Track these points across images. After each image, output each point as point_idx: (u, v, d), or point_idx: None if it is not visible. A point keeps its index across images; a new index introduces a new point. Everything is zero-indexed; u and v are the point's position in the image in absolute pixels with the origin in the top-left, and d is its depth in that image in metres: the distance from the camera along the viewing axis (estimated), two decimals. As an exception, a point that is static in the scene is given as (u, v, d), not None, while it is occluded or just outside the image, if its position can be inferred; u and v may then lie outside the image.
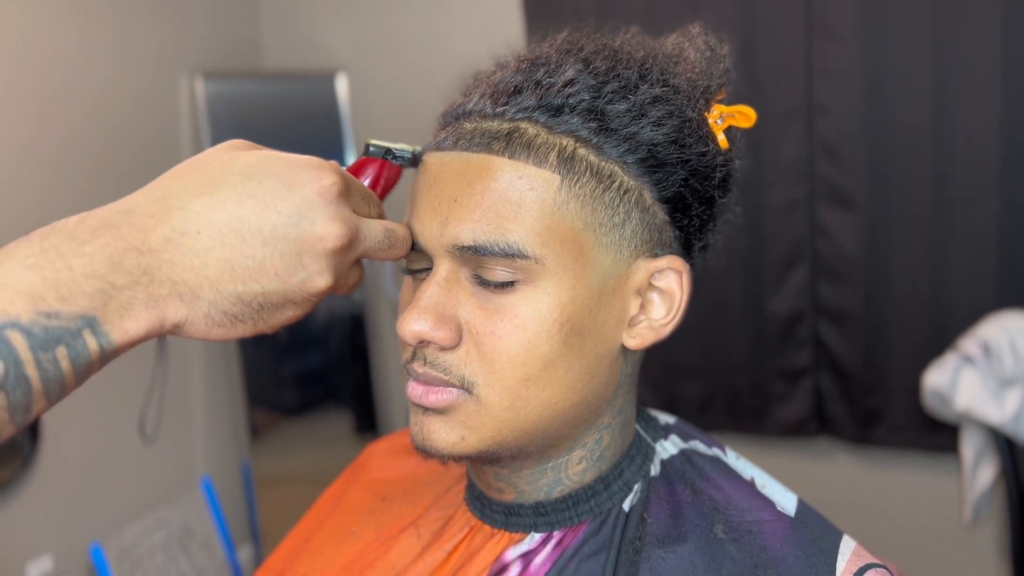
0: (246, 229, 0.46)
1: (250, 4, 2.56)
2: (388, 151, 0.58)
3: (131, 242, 0.44)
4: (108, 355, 0.43)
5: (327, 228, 0.47)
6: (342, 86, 2.50)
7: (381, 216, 0.55)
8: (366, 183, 0.58)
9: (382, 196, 0.58)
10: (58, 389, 0.42)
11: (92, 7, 2.03)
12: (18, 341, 0.40)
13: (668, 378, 2.17)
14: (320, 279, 0.48)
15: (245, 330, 0.48)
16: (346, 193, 0.49)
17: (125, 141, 2.12)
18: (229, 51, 2.46)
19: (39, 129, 1.92)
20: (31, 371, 0.41)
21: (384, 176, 0.58)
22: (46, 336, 0.41)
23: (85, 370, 0.43)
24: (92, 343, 0.42)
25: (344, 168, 0.54)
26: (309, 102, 2.56)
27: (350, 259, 0.50)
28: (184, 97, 2.28)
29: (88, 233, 0.43)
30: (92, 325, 0.42)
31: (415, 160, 0.58)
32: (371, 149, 0.58)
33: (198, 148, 2.29)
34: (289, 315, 0.49)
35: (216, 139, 2.30)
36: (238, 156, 0.48)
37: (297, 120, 2.56)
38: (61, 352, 0.41)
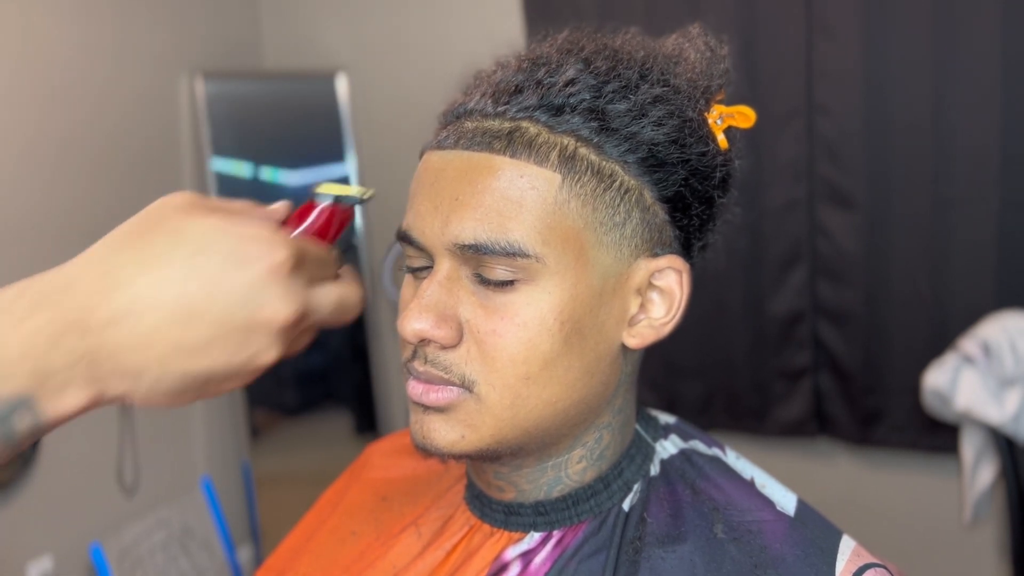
0: (194, 310, 0.44)
1: (250, 4, 2.56)
2: (337, 198, 0.54)
3: (71, 321, 0.42)
4: (42, 430, 0.43)
5: (276, 308, 0.45)
6: (342, 86, 2.50)
7: (336, 274, 0.52)
8: (311, 224, 0.54)
9: (334, 239, 0.55)
10: None
11: (92, 7, 2.03)
12: None
13: (668, 378, 2.17)
14: (267, 355, 0.46)
15: (187, 399, 0.47)
16: (299, 266, 0.47)
17: (125, 141, 2.12)
18: (229, 51, 2.46)
19: (39, 129, 1.92)
20: None
21: (335, 221, 0.54)
22: None
23: (15, 446, 0.42)
24: (26, 420, 0.42)
25: (291, 213, 0.53)
26: (309, 102, 2.56)
27: (298, 331, 0.48)
28: (184, 97, 2.28)
29: (26, 310, 0.42)
30: (27, 404, 0.41)
31: (363, 203, 0.55)
32: (319, 196, 0.53)
33: (198, 148, 2.29)
34: (233, 385, 0.48)
35: (216, 139, 2.30)
36: (187, 226, 0.45)
37: (297, 120, 2.56)
38: None
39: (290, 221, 0.53)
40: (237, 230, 0.46)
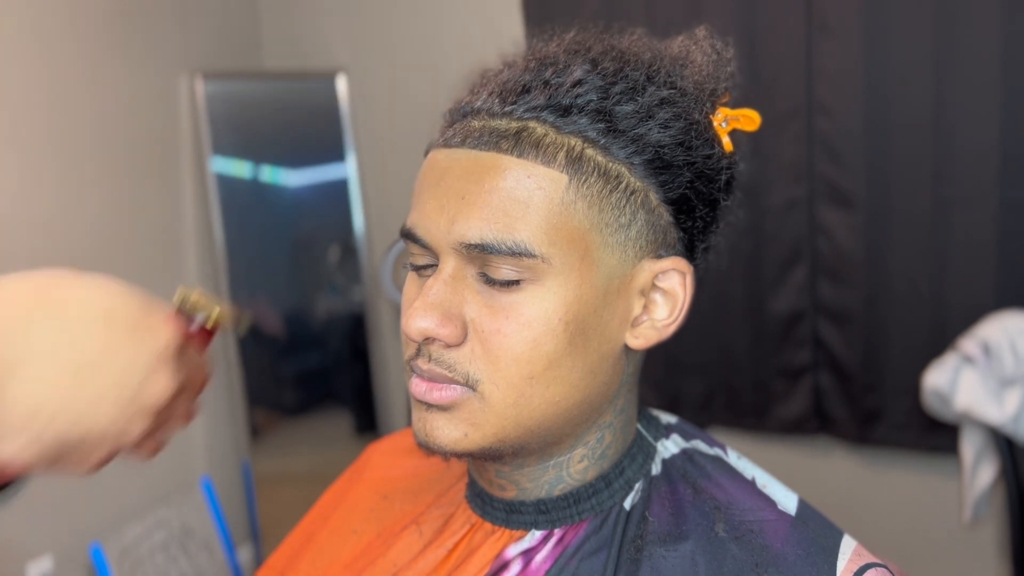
0: (90, 372, 0.46)
1: (250, 4, 2.56)
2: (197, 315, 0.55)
3: None
4: None
5: (161, 384, 0.49)
6: (342, 86, 2.50)
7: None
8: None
9: (204, 346, 0.57)
10: None
11: (93, 7, 2.04)
12: None
13: (669, 376, 2.18)
14: (137, 429, 0.49)
15: (50, 468, 0.48)
16: (182, 352, 0.51)
17: (125, 141, 2.12)
18: (229, 51, 2.47)
19: (39, 129, 1.92)
20: None
21: (203, 337, 0.57)
22: None
23: None
24: None
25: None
26: (309, 102, 2.56)
27: (159, 419, 0.51)
28: (184, 97, 2.28)
29: None
30: None
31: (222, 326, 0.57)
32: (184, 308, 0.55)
33: (198, 148, 2.30)
34: (95, 457, 0.49)
35: (216, 139, 2.30)
36: (95, 294, 0.48)
37: (297, 120, 2.57)
38: None
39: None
40: (142, 303, 0.50)
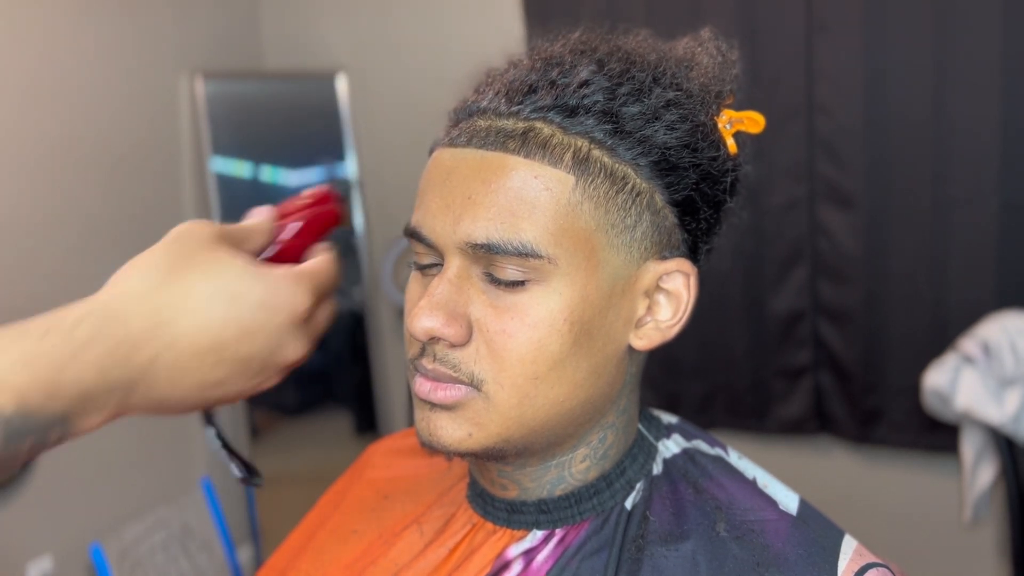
0: (224, 354, 0.49)
1: (250, 4, 2.56)
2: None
3: (120, 357, 0.46)
4: (63, 441, 0.46)
5: (292, 350, 0.52)
6: (342, 86, 2.50)
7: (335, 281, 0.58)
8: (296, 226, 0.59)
9: (322, 237, 0.60)
10: (7, 467, 0.44)
11: (92, 7, 2.03)
12: None
13: (669, 377, 2.18)
14: (270, 382, 0.53)
15: (189, 413, 0.53)
16: (314, 309, 0.54)
17: (125, 141, 2.12)
18: (229, 51, 2.47)
19: (39, 129, 1.92)
20: None
21: (323, 221, 0.60)
22: (23, 428, 0.43)
23: (37, 453, 0.45)
24: (56, 434, 0.45)
25: (303, 197, 0.60)
26: (309, 102, 2.56)
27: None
28: (184, 97, 2.28)
29: (84, 340, 0.45)
30: (64, 421, 0.44)
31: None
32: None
33: (198, 148, 2.29)
34: (234, 402, 0.54)
35: (216, 139, 2.30)
36: (221, 266, 0.50)
37: (297, 120, 2.57)
38: (29, 441, 0.43)
39: (288, 213, 0.59)
40: (267, 277, 0.52)
